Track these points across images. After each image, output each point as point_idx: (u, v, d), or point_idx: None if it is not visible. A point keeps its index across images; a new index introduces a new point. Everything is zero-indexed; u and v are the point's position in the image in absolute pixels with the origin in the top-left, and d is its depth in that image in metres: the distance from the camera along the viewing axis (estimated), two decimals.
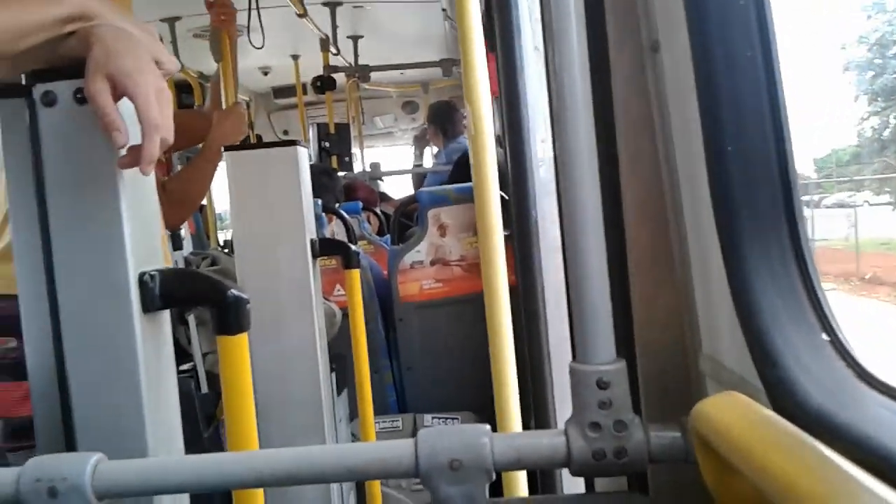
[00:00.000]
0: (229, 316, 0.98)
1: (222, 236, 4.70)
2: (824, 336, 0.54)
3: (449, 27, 3.81)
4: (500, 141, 2.33)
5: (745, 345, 0.59)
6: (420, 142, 5.62)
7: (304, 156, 1.92)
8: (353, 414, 2.29)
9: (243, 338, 0.99)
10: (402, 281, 2.78)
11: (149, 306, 0.96)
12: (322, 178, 3.04)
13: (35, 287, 0.95)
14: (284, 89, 5.14)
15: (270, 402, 1.82)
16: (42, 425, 0.97)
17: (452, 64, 4.21)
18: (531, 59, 1.60)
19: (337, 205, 3.03)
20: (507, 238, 1.40)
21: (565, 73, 0.64)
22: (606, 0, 0.77)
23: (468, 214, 2.72)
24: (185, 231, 3.29)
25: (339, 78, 4.40)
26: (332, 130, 4.39)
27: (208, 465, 0.71)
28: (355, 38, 4.27)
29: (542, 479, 1.50)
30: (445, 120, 4.41)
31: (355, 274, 2.00)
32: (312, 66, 4.30)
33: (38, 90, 0.92)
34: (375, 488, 2.09)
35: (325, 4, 3.70)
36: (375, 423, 2.15)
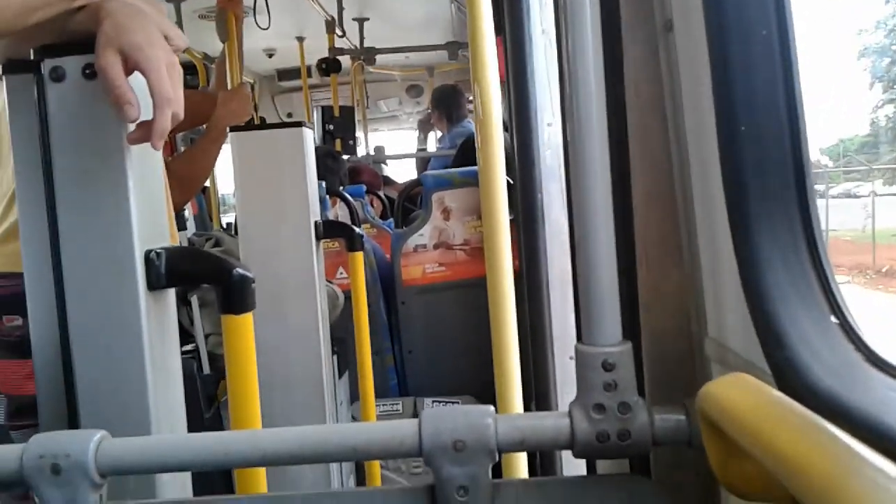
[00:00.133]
0: (234, 295, 0.98)
1: (225, 219, 4.69)
2: (833, 318, 0.54)
3: (455, 10, 3.79)
4: (505, 125, 2.32)
5: (751, 327, 0.59)
6: (425, 126, 5.60)
7: (310, 137, 1.91)
8: (354, 396, 2.29)
9: (248, 317, 0.99)
10: (405, 264, 2.78)
11: (154, 284, 0.96)
12: (327, 161, 3.03)
13: (40, 264, 0.95)
14: (289, 71, 5.11)
15: (272, 383, 1.82)
16: (46, 403, 0.97)
17: (458, 47, 4.19)
18: (538, 41, 1.59)
19: (341, 188, 3.02)
20: (511, 222, 1.40)
21: (578, 55, 0.64)
22: None
23: (472, 198, 2.72)
24: (188, 212, 3.29)
25: (344, 61, 4.38)
26: (336, 113, 4.37)
27: (212, 443, 0.71)
28: (361, 21, 4.25)
29: (541, 462, 1.51)
30: (450, 104, 4.39)
31: (359, 256, 2.00)
32: (317, 49, 4.28)
33: (47, 65, 0.91)
34: (375, 470, 2.10)
35: None
36: (376, 405, 2.16)
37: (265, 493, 0.94)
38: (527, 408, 1.26)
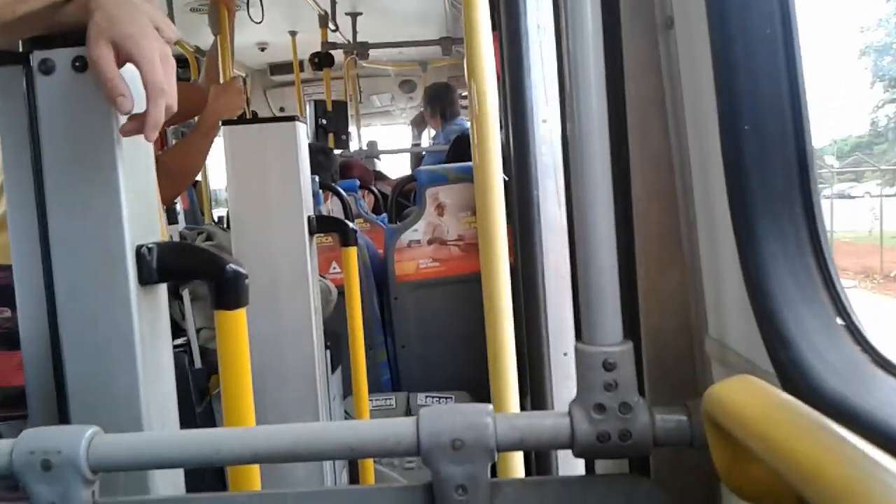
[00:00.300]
0: (228, 291, 0.97)
1: (216, 213, 4.66)
2: (838, 320, 0.53)
3: (449, 5, 3.77)
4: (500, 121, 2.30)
5: (753, 327, 0.58)
6: (419, 125, 5.59)
7: (303, 131, 1.90)
8: (347, 391, 2.29)
9: (241, 313, 0.98)
10: (399, 260, 2.77)
11: (146, 279, 0.95)
12: (318, 157, 3.02)
13: (30, 258, 0.94)
14: (281, 66, 5.09)
15: (264, 378, 1.81)
16: (35, 396, 0.96)
17: (452, 43, 4.17)
18: (534, 37, 1.58)
19: (333, 183, 3.01)
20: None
21: (578, 51, 0.63)
22: None
23: (466, 194, 2.71)
24: (179, 206, 3.27)
25: (337, 56, 4.36)
26: (329, 108, 4.35)
27: (206, 440, 0.70)
28: (354, 15, 4.23)
29: (537, 460, 1.50)
30: (444, 101, 4.39)
31: (352, 251, 1.99)
32: (310, 43, 4.26)
33: (36, 58, 0.90)
34: (368, 465, 2.09)
35: None
36: (369, 400, 2.15)
37: (260, 491, 0.93)
38: (522, 404, 1.26)
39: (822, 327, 0.53)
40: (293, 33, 4.39)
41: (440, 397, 2.65)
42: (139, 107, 0.87)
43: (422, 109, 5.17)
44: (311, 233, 1.86)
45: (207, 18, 2.70)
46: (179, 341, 1.95)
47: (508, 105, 1.58)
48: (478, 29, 1.17)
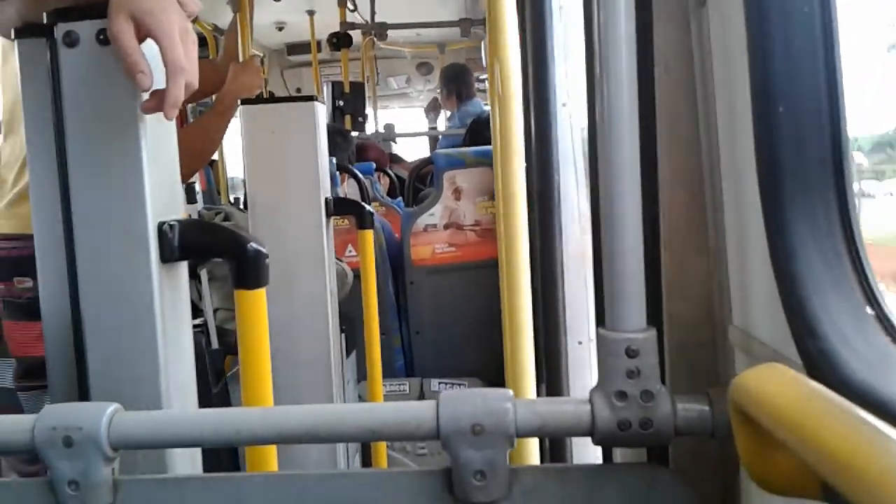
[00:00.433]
0: (249, 270, 0.97)
1: (233, 195, 4.67)
2: (869, 310, 0.53)
3: None
4: None
5: (779, 316, 0.57)
6: (433, 111, 5.56)
7: (322, 112, 1.89)
8: (361, 376, 2.29)
9: (261, 293, 0.98)
10: (415, 244, 2.76)
11: (167, 256, 0.95)
12: (336, 139, 3.01)
13: (52, 232, 0.94)
14: (299, 46, 5.06)
15: (280, 359, 1.81)
16: (55, 370, 0.97)
17: (471, 24, 4.14)
18: (556, 18, 1.56)
19: (348, 164, 3.00)
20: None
21: (609, 32, 0.62)
22: None
23: (484, 178, 2.69)
24: (197, 186, 3.28)
25: (355, 36, 4.33)
26: (347, 89, 4.34)
27: (226, 419, 0.70)
28: None
29: (551, 447, 1.50)
30: (459, 83, 4.35)
31: (369, 234, 1.99)
32: (328, 23, 4.23)
33: (60, 30, 0.90)
34: (381, 450, 2.10)
35: None
36: (382, 385, 2.16)
37: (279, 472, 0.93)
38: (536, 392, 1.25)
39: (852, 316, 0.52)
40: (311, 13, 4.37)
41: (453, 384, 2.65)
42: (159, 83, 0.86)
43: (437, 93, 5.13)
44: (328, 215, 1.86)
45: None
46: (196, 321, 1.96)
47: (530, 88, 1.57)
48: (502, 8, 1.16)
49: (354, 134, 4.20)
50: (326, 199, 1.86)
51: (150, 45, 0.85)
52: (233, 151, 4.26)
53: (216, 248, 1.04)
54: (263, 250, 0.97)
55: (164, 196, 0.96)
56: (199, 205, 3.09)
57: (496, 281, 1.89)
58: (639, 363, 0.63)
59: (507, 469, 0.65)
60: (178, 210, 1.02)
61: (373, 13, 4.26)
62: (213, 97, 2.14)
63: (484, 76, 4.55)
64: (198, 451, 1.03)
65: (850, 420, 0.37)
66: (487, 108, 3.41)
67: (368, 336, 1.99)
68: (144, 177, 0.91)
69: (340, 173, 2.80)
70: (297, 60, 5.38)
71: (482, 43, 3.99)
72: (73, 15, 0.89)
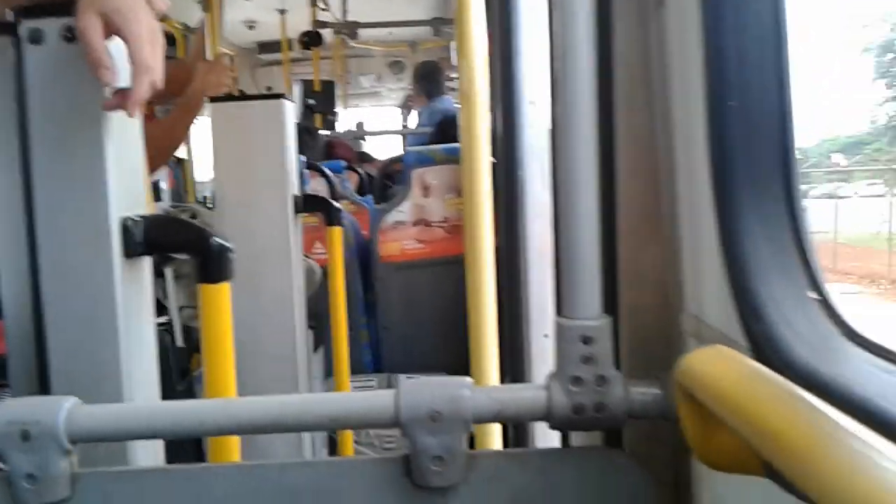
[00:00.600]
0: (212, 264, 0.97)
1: (200, 195, 4.63)
2: (812, 294, 0.54)
3: None
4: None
5: (728, 302, 0.59)
6: (408, 108, 5.57)
7: (290, 110, 1.89)
8: (329, 372, 2.29)
9: (225, 287, 0.98)
10: (384, 240, 2.76)
11: (130, 252, 0.94)
12: (303, 137, 3.00)
13: (14, 227, 0.93)
14: (269, 44, 5.05)
15: (247, 356, 1.81)
16: (17, 366, 0.96)
17: (442, 23, 4.15)
18: (524, 18, 1.57)
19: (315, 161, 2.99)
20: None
21: (569, 30, 0.63)
22: None
23: (453, 175, 2.71)
24: (164, 184, 3.25)
25: (326, 35, 4.33)
26: (317, 88, 4.33)
27: (185, 410, 0.70)
28: None
29: (515, 434, 1.52)
30: (429, 81, 4.36)
31: (337, 231, 1.99)
32: (299, 22, 4.22)
33: (25, 27, 0.89)
34: (348, 443, 2.10)
35: None
36: (350, 381, 2.16)
37: (241, 462, 0.93)
38: (501, 382, 1.27)
39: (796, 301, 0.54)
40: (282, 11, 4.36)
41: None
42: (124, 81, 0.87)
43: (409, 91, 5.14)
44: (296, 212, 1.86)
45: None
46: (162, 320, 1.95)
47: (498, 86, 1.58)
48: (468, 8, 1.17)
49: (326, 132, 4.19)
50: (294, 196, 1.86)
51: (115, 43, 0.86)
52: (200, 156, 4.22)
53: (180, 244, 1.04)
54: (228, 245, 0.97)
55: (128, 191, 0.96)
56: (166, 203, 3.07)
57: (464, 277, 1.91)
58: (594, 349, 0.64)
59: (465, 454, 0.66)
60: (142, 206, 1.02)
61: (344, 12, 4.26)
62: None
63: (456, 75, 4.56)
64: (160, 444, 1.03)
65: (783, 397, 0.38)
66: (458, 106, 3.42)
67: (336, 332, 1.99)
68: (108, 172, 0.91)
69: (310, 171, 2.79)
70: (268, 59, 5.36)
71: (451, 42, 4.00)
72: (38, 12, 0.89)
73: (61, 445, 0.68)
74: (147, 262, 1.02)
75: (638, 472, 0.66)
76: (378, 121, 6.57)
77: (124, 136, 0.95)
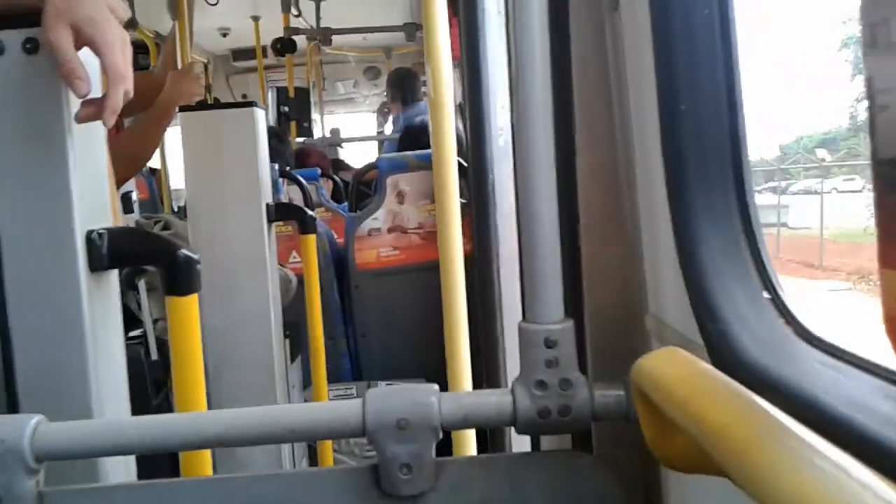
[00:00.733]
0: (179, 276, 0.96)
1: (177, 205, 4.60)
2: (765, 294, 0.55)
3: None
4: (461, 108, 2.30)
5: (688, 304, 0.60)
6: (383, 115, 5.57)
7: (262, 118, 1.88)
8: (308, 381, 2.28)
9: (193, 299, 0.98)
10: (359, 248, 2.76)
11: (96, 265, 0.94)
12: (272, 142, 2.99)
13: None
14: (244, 51, 5.03)
15: (223, 367, 1.80)
16: None
17: (416, 28, 4.16)
18: (493, 23, 1.58)
19: (287, 169, 2.98)
20: (464, 206, 1.40)
21: (525, 32, 0.64)
22: None
23: (427, 182, 2.71)
24: (135, 195, 3.23)
25: (300, 41, 4.31)
26: (291, 94, 4.31)
27: (151, 425, 0.70)
28: (318, 0, 4.19)
29: (491, 440, 1.52)
30: (404, 87, 4.36)
31: (311, 239, 1.98)
32: (273, 29, 4.21)
33: None
34: (328, 453, 2.09)
35: None
36: (329, 390, 2.15)
37: (212, 476, 0.93)
38: (478, 386, 1.27)
39: (750, 301, 0.55)
40: (256, 18, 4.34)
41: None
42: (94, 92, 0.86)
43: (385, 97, 5.14)
44: (270, 220, 1.85)
45: (167, 2, 2.66)
46: (136, 332, 1.93)
47: (466, 89, 1.59)
48: (434, 14, 1.17)
49: (300, 140, 4.18)
50: (268, 204, 1.85)
51: (84, 54, 0.85)
52: (175, 165, 4.19)
53: (147, 256, 1.04)
54: (194, 256, 0.96)
55: (92, 204, 0.95)
56: (136, 214, 3.04)
57: (440, 282, 1.91)
58: (557, 353, 0.65)
59: (433, 462, 0.66)
60: (107, 218, 1.01)
61: (318, 18, 4.25)
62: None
63: None
64: (131, 460, 1.02)
65: (730, 397, 0.39)
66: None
67: (313, 341, 1.99)
68: (71, 185, 0.91)
69: (284, 179, 2.78)
70: (242, 66, 5.34)
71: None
72: None
73: (27, 465, 0.67)
74: (113, 276, 1.01)
75: (606, 474, 0.66)
76: (354, 127, 6.56)
77: (88, 147, 0.94)
